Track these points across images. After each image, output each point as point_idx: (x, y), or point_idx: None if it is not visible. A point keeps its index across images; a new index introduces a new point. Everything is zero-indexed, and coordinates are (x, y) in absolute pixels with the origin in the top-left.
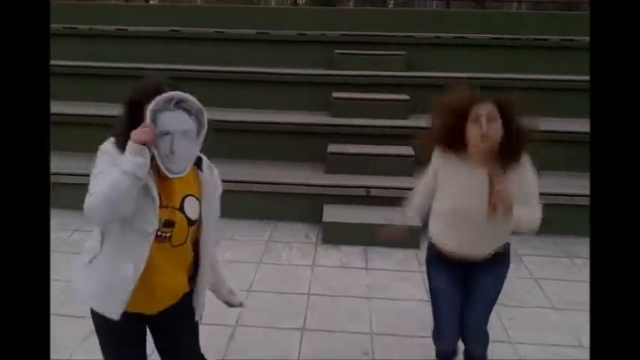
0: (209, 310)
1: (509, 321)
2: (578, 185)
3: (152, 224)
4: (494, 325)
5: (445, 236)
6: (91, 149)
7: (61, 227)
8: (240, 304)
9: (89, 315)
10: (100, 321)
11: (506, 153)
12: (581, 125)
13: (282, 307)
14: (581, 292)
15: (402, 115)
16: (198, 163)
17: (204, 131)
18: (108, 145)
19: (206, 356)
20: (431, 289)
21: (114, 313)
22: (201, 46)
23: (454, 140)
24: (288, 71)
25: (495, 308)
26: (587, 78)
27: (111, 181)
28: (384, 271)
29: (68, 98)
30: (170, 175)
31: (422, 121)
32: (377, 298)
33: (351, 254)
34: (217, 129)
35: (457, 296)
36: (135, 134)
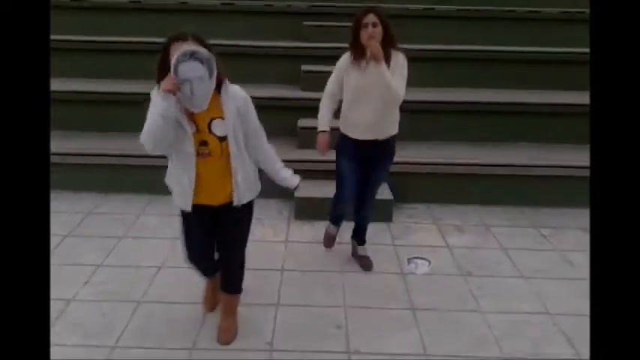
0: (182, 292)
1: (479, 290)
2: (544, 157)
3: (190, 146)
4: (464, 294)
5: (351, 117)
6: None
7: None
8: (295, 187)
9: (58, 297)
10: (181, 212)
11: (386, 48)
12: (550, 96)
13: (256, 284)
14: (547, 261)
15: None
16: (218, 89)
17: (215, 73)
18: (153, 90)
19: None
20: (337, 168)
21: (186, 207)
22: (163, 17)
23: (357, 45)
24: (255, 44)
25: (465, 278)
26: (555, 50)
27: (149, 121)
28: None
29: None
30: (194, 111)
31: None
32: (350, 272)
33: (323, 232)
34: None
35: (355, 173)
36: (162, 85)
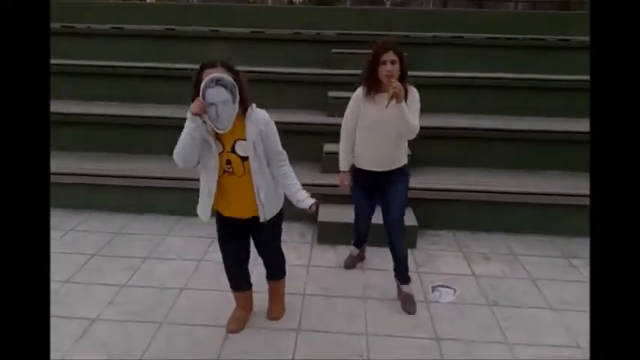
0: (204, 314)
1: (506, 321)
2: (577, 185)
3: (214, 163)
4: (490, 325)
5: (364, 151)
6: (84, 148)
7: (54, 226)
8: (310, 207)
9: (82, 316)
10: (217, 223)
11: (402, 83)
12: (580, 125)
13: None
14: (578, 293)
15: None
16: (244, 112)
17: (237, 99)
18: (188, 112)
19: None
20: (353, 200)
21: (205, 217)
22: (195, 44)
23: (373, 80)
24: (283, 70)
25: (491, 308)
26: (584, 77)
27: (180, 138)
28: (380, 271)
29: (63, 97)
30: (219, 132)
31: (420, 122)
32: (373, 298)
33: (347, 254)
34: None
35: (370, 202)
36: (191, 107)
